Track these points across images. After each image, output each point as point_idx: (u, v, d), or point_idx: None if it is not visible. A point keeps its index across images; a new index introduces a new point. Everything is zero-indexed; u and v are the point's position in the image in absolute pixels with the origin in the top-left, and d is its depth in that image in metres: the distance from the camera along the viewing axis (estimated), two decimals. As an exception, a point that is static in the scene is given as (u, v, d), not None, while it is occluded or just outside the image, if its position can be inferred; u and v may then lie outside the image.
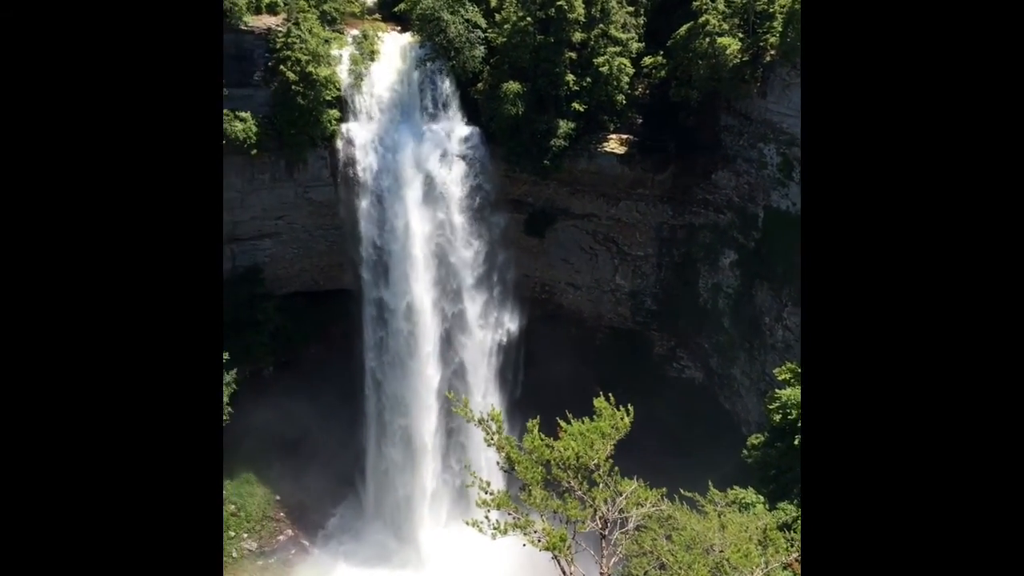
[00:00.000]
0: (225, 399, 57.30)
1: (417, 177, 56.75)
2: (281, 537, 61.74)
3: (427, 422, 60.44)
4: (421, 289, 58.40)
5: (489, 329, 60.93)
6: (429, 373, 59.70)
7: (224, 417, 57.17)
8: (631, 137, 57.14)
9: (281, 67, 54.66)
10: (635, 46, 56.70)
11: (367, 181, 57.75)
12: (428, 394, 59.82)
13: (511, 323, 61.65)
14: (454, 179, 57.09)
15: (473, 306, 59.96)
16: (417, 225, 57.33)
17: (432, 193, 57.21)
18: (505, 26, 55.58)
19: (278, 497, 62.69)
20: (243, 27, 55.46)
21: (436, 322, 59.67)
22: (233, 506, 59.97)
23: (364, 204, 58.35)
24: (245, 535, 59.87)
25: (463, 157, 57.04)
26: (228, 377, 57.72)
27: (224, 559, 58.12)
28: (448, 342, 60.54)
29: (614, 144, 57.20)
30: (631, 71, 56.06)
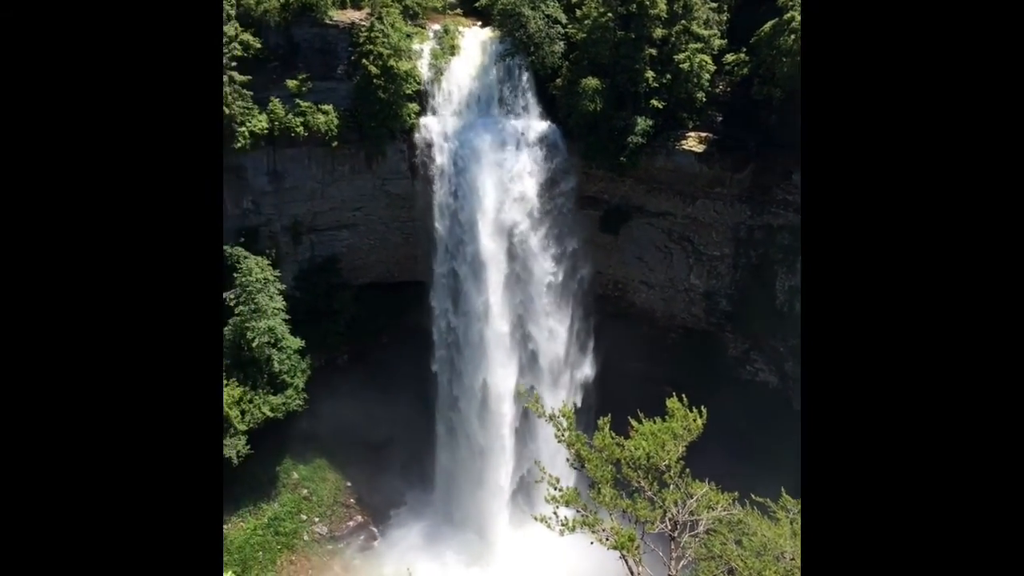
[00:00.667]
0: (301, 385, 58.71)
1: (493, 172, 57.03)
2: (351, 523, 62.93)
3: (497, 415, 60.79)
4: (493, 282, 58.70)
5: (561, 325, 60.91)
6: (500, 366, 60.03)
7: (299, 403, 58.62)
8: (710, 135, 56.36)
9: (363, 61, 55.57)
10: (717, 43, 55.86)
11: (444, 175, 58.30)
12: (498, 387, 60.14)
13: (583, 320, 61.53)
14: (530, 175, 57.20)
15: (545, 301, 60.03)
16: (491, 219, 57.62)
17: (507, 188, 57.42)
18: (585, 22, 55.39)
19: (349, 484, 63.89)
20: (328, 21, 56.57)
21: (508, 315, 59.90)
22: (306, 490, 61.41)
23: (440, 197, 58.93)
24: (316, 519, 61.19)
25: (540, 153, 57.08)
26: (303, 364, 59.08)
27: (295, 541, 59.58)
28: (520, 336, 60.74)
29: (692, 142, 56.51)
30: (712, 68, 55.27)
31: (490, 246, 57.92)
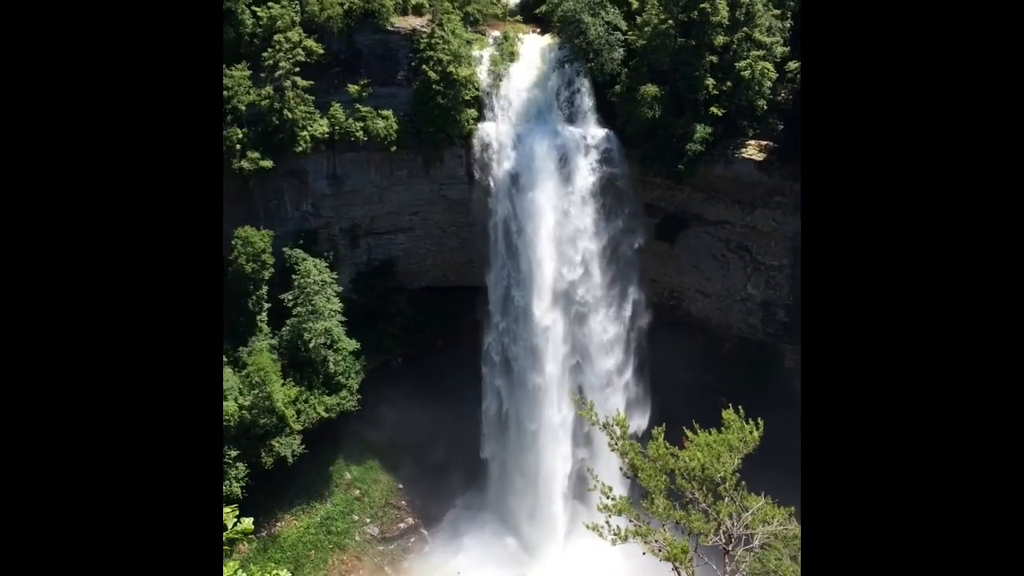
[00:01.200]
0: (355, 387, 59.38)
1: (550, 178, 57.07)
2: (401, 525, 63.38)
3: (549, 422, 60.69)
4: (547, 289, 58.65)
5: (615, 333, 60.57)
6: (553, 373, 59.93)
7: (353, 404, 59.30)
8: (771, 143, 55.60)
9: (423, 67, 56.12)
10: (779, 50, 55.12)
11: (501, 180, 58.52)
12: (551, 393, 60.05)
13: (638, 328, 61.12)
14: (587, 181, 57.08)
15: (599, 309, 59.80)
16: (547, 226, 57.62)
17: (564, 194, 57.39)
18: (646, 28, 55.14)
19: (401, 485, 64.37)
20: (389, 28, 57.33)
21: (561, 322, 59.77)
22: (358, 491, 62.02)
23: (496, 203, 59.14)
24: (368, 520, 61.76)
25: (597, 159, 56.94)
26: (358, 366, 59.76)
27: (347, 541, 60.21)
28: (573, 343, 60.55)
29: (752, 150, 55.81)
30: (774, 76, 54.57)
31: (544, 251, 57.91)
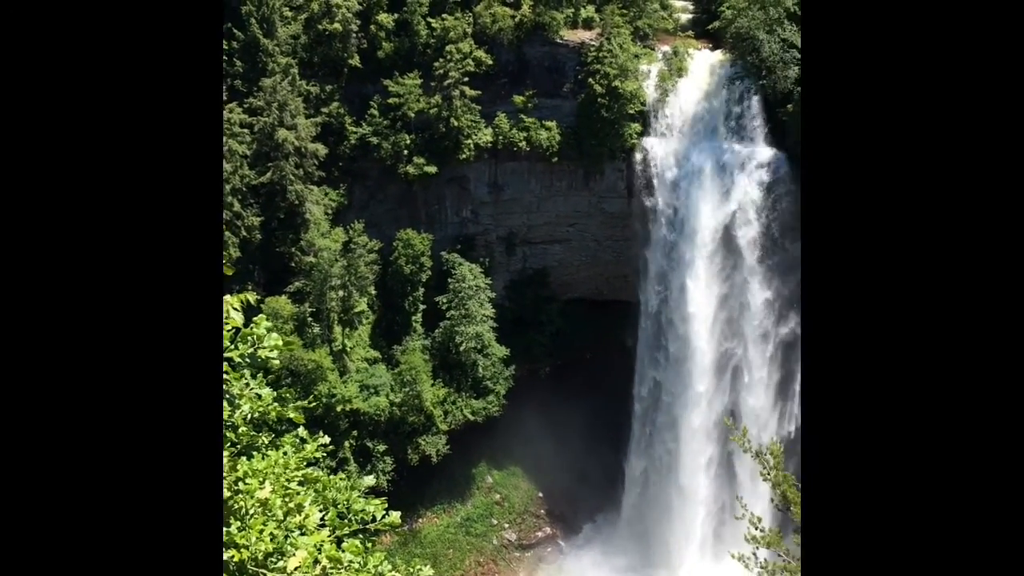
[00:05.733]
0: (502, 392, 60.05)
1: (713, 197, 55.66)
2: (539, 533, 63.48)
3: (696, 445, 59.14)
4: (703, 313, 57.09)
5: (772, 367, 58.15)
6: (703, 399, 58.27)
7: (499, 409, 59.96)
8: None
9: (589, 80, 56.24)
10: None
11: (662, 197, 57.70)
12: (700, 418, 58.47)
13: (796, 363, 58.50)
14: (752, 201, 55.24)
15: (757, 342, 57.52)
16: (708, 246, 56.17)
17: (727, 212, 55.79)
18: (823, 46, 52.94)
19: (541, 494, 64.53)
20: (558, 40, 57.80)
21: (715, 350, 58.02)
22: (498, 495, 62.62)
23: (656, 220, 58.35)
24: (506, 525, 62.24)
25: (765, 180, 55.01)
26: (507, 372, 60.40)
27: (484, 544, 60.87)
28: (728, 372, 58.65)
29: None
30: (962, 99, 51.19)
31: (702, 272, 56.53)
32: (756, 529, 21.15)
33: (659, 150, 57.49)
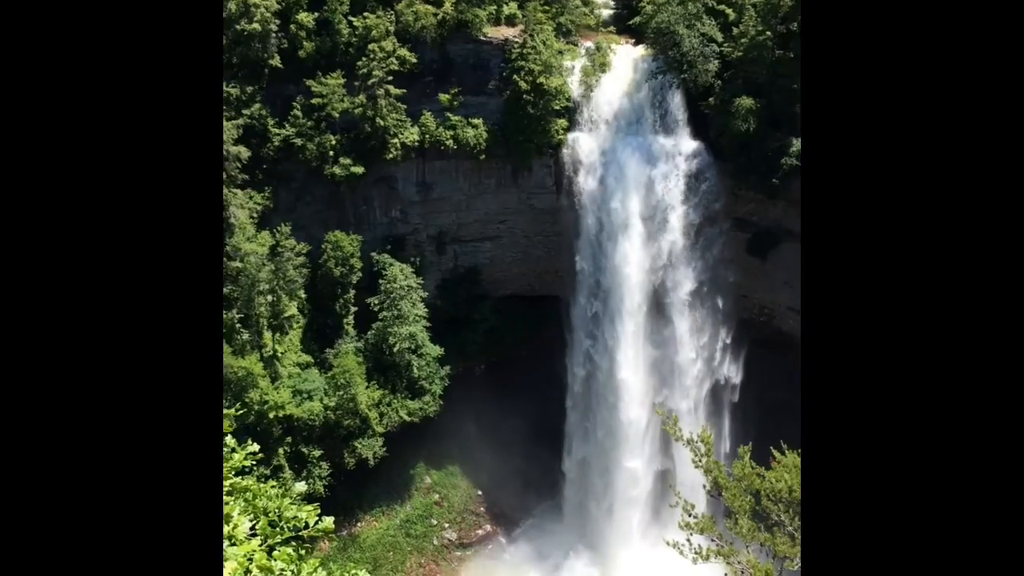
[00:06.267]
0: (438, 392, 59.85)
1: (640, 189, 56.46)
2: (479, 531, 63.51)
3: (631, 437, 59.92)
4: (632, 302, 57.98)
5: (701, 349, 59.42)
6: (635, 388, 59.14)
7: (435, 409, 59.76)
8: None
9: (514, 77, 56.38)
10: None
11: (589, 191, 58.22)
12: (633, 409, 59.27)
13: (725, 345, 59.85)
14: (677, 193, 56.24)
15: (686, 324, 58.72)
16: (635, 234, 57.01)
17: (653, 205, 56.67)
18: (742, 40, 54.09)
19: (480, 492, 64.55)
20: (482, 38, 57.78)
21: (645, 337, 58.98)
22: (437, 495, 62.45)
23: (584, 214, 58.85)
24: (447, 525, 62.12)
25: (689, 171, 56.04)
26: (442, 372, 60.23)
27: (425, 544, 60.64)
28: (657, 359, 59.64)
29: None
30: (875, 89, 52.77)
31: (632, 263, 57.28)
32: (689, 516, 21.54)
33: (586, 145, 57.98)
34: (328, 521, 11.21)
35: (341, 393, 55.79)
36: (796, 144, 53.40)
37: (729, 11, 55.74)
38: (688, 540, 21.51)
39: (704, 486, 22.85)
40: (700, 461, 22.68)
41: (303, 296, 57.12)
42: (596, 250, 58.96)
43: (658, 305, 58.63)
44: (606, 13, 62.95)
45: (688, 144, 55.99)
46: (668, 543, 21.92)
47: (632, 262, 57.13)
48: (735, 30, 54.87)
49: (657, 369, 59.66)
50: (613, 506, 61.46)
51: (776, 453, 22.87)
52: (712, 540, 21.49)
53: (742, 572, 20.42)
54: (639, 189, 56.31)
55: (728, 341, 59.76)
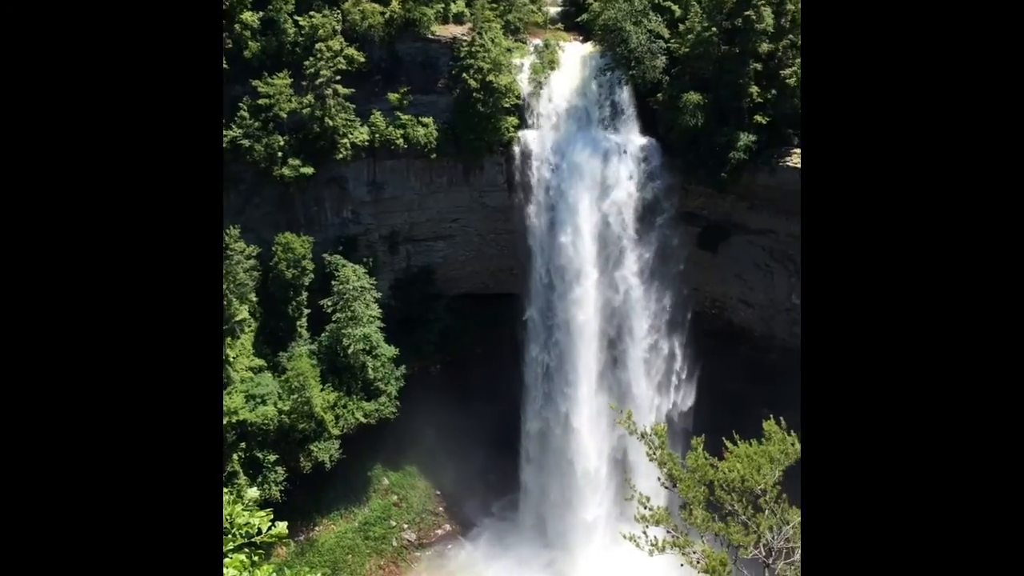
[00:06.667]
0: (394, 393, 59.56)
1: (591, 185, 56.79)
2: (439, 531, 63.36)
3: (586, 432, 60.27)
4: (587, 297, 58.32)
5: (655, 342, 60.01)
6: (590, 382, 59.52)
7: (392, 410, 59.46)
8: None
9: (464, 75, 56.28)
10: (825, 57, 54.23)
11: (541, 188, 58.40)
12: (589, 404, 59.64)
13: (678, 337, 60.50)
14: (628, 189, 56.68)
15: (640, 318, 59.24)
16: (588, 233, 57.35)
17: (605, 201, 57.06)
18: (688, 36, 54.65)
19: (438, 492, 64.40)
20: (430, 36, 57.60)
21: (600, 331, 59.37)
22: (396, 496, 62.13)
23: (536, 211, 59.04)
24: (405, 526, 61.84)
25: (638, 167, 56.53)
26: (397, 372, 59.94)
27: (384, 546, 60.30)
28: (612, 352, 60.11)
29: (798, 159, 54.91)
30: (819, 83, 53.68)
31: (585, 259, 57.61)
32: (645, 508, 21.71)
33: (536, 142, 58.14)
34: (281, 527, 11.11)
35: (295, 396, 55.23)
36: (743, 138, 54.11)
37: (675, 7, 56.29)
38: (644, 533, 21.66)
39: (659, 478, 23.05)
40: (655, 454, 22.85)
41: (254, 299, 56.43)
42: (548, 247, 59.08)
43: (611, 300, 58.98)
44: (554, 11, 63.21)
45: (638, 139, 56.46)
46: (625, 536, 22.06)
47: (584, 258, 57.53)
48: (681, 26, 55.41)
49: (612, 361, 60.06)
50: (570, 503, 61.75)
51: (728, 444, 23.14)
52: (668, 532, 21.68)
53: (697, 561, 20.63)
54: (589, 185, 56.65)
55: (680, 333, 60.36)
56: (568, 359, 59.80)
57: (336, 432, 57.29)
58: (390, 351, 59.42)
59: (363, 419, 58.36)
